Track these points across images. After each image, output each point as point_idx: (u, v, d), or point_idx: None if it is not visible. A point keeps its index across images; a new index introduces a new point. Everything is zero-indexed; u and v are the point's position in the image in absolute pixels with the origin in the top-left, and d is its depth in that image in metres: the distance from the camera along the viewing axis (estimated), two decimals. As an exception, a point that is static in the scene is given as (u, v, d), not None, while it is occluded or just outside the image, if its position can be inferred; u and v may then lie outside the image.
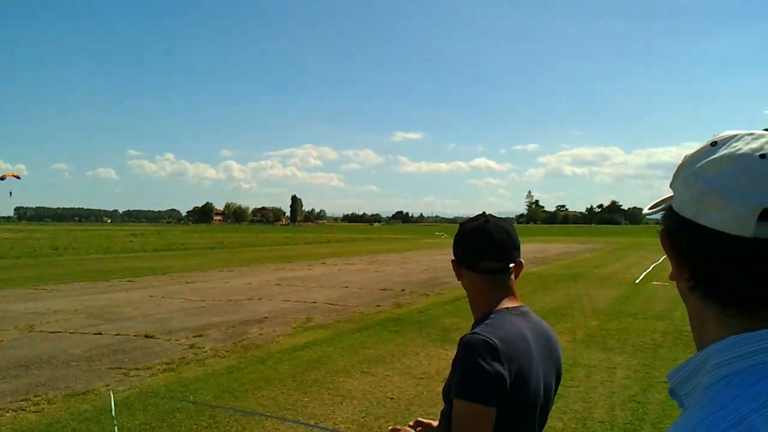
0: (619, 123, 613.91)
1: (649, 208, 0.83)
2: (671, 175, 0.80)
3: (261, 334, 9.58)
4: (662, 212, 0.80)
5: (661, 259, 24.90)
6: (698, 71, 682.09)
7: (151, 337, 9.26)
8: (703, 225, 0.70)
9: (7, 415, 5.74)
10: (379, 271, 21.63)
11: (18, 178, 59.68)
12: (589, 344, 8.78)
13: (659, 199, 0.83)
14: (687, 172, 0.76)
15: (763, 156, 0.68)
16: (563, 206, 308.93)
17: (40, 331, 9.76)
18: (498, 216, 1.79)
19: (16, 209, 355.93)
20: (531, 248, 37.44)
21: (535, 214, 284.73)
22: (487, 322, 1.59)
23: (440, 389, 1.71)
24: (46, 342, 8.95)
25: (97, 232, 78.37)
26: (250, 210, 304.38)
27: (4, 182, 55.23)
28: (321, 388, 6.62)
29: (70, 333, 9.63)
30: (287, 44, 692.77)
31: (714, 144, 0.75)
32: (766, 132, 0.73)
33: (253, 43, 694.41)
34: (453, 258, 1.77)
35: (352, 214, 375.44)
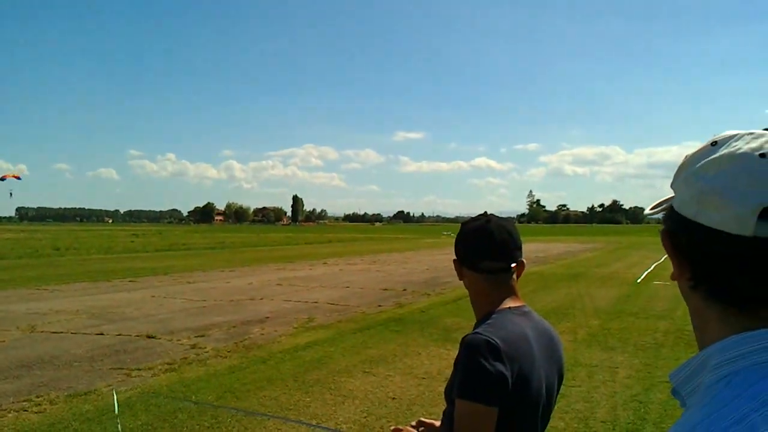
0: (620, 122, 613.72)
1: (651, 209, 0.84)
2: (672, 174, 0.80)
3: (263, 334, 9.59)
4: (663, 212, 0.81)
5: (662, 259, 24.87)
6: (699, 71, 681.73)
7: (152, 338, 9.27)
8: (703, 224, 0.71)
9: (9, 415, 5.74)
10: (381, 271, 21.63)
11: (18, 178, 59.81)
12: (591, 344, 8.78)
13: (661, 200, 0.83)
14: (687, 172, 0.76)
15: (762, 155, 0.68)
16: (564, 206, 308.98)
17: (42, 332, 9.77)
18: (499, 215, 1.80)
19: (18, 209, 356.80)
20: (532, 248, 37.42)
21: (536, 214, 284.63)
22: (489, 321, 1.59)
23: (442, 389, 1.71)
24: (48, 342, 8.96)
25: (98, 233, 78.47)
26: (252, 210, 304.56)
27: (5, 183, 55.41)
28: (323, 388, 6.63)
29: (71, 333, 9.64)
30: (288, 44, 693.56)
31: (714, 144, 0.75)
32: (766, 131, 0.73)
33: (254, 42, 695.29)
34: (455, 257, 1.77)
35: (353, 213, 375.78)
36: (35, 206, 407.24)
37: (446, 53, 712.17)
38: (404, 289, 15.69)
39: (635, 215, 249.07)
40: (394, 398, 6.27)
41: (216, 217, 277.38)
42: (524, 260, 1.73)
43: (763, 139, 0.70)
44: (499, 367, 1.47)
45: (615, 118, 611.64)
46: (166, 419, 5.60)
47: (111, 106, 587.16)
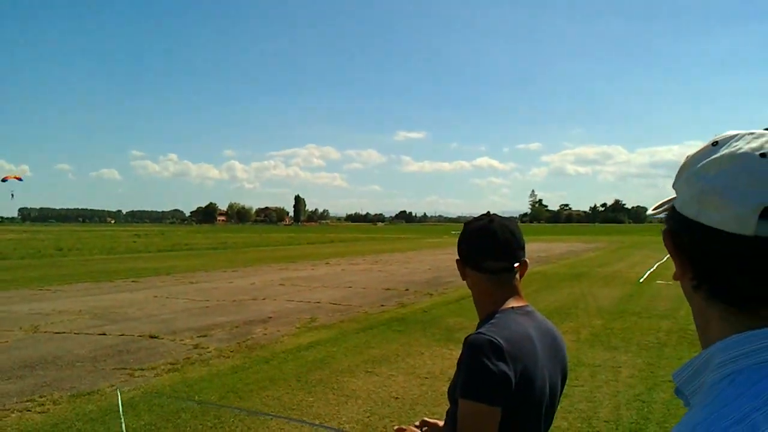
0: (622, 122, 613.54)
1: (654, 209, 0.84)
2: (674, 173, 0.81)
3: (265, 334, 9.59)
4: (666, 212, 0.81)
5: (665, 258, 24.82)
6: (700, 70, 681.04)
7: (155, 338, 9.28)
8: (704, 224, 0.71)
9: (13, 415, 5.76)
10: (383, 271, 21.63)
11: (20, 180, 59.99)
12: (594, 343, 8.77)
13: (663, 200, 0.83)
14: (689, 172, 0.76)
15: (763, 155, 0.68)
16: (566, 205, 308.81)
17: (45, 332, 9.79)
18: (502, 215, 1.80)
19: (20, 210, 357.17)
20: (535, 247, 37.41)
21: (538, 213, 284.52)
22: (492, 321, 1.59)
23: (445, 389, 1.71)
24: (51, 343, 8.98)
25: (100, 233, 78.61)
26: (254, 210, 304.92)
27: (6, 184, 55.57)
28: (325, 387, 6.63)
29: (74, 333, 9.66)
30: (289, 44, 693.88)
31: (715, 144, 0.75)
32: (766, 131, 0.73)
33: (255, 42, 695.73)
34: (458, 257, 1.77)
35: (355, 213, 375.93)
36: (38, 207, 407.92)
37: (447, 53, 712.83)
38: (407, 289, 15.69)
39: (638, 215, 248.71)
40: (397, 398, 6.27)
41: (218, 218, 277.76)
42: (527, 260, 1.73)
43: (763, 139, 0.71)
44: (503, 366, 1.47)
45: (617, 118, 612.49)
46: (169, 419, 5.61)
47: (113, 107, 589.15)
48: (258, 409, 5.88)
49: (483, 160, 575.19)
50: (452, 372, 1.62)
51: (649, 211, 0.85)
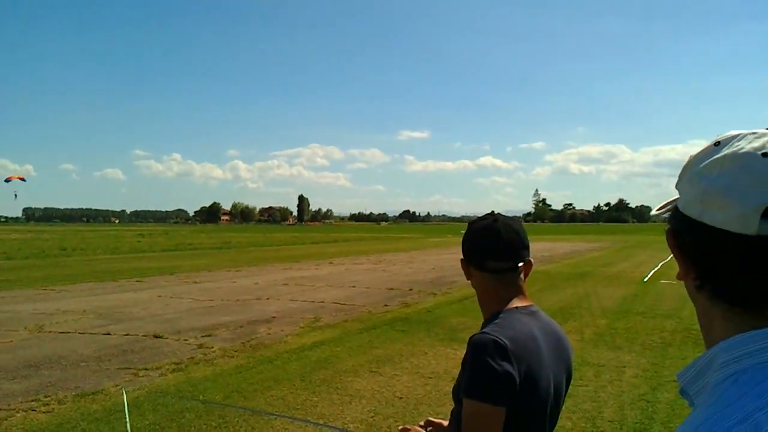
0: (626, 121, 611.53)
1: (657, 210, 0.85)
2: (678, 172, 0.82)
3: (269, 334, 9.60)
4: (669, 212, 0.81)
5: (669, 258, 24.75)
6: (703, 69, 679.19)
7: (159, 337, 9.30)
8: (707, 224, 0.71)
9: (18, 415, 5.77)
10: (387, 271, 21.63)
11: (23, 180, 60.20)
12: (598, 343, 8.76)
13: (667, 201, 0.84)
14: (691, 172, 0.77)
15: (765, 155, 0.69)
16: (570, 204, 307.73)
17: (50, 332, 9.81)
18: (506, 215, 1.79)
19: (25, 210, 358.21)
20: (538, 247, 37.35)
21: (542, 213, 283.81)
22: (496, 321, 1.59)
23: (449, 389, 1.71)
24: (56, 342, 9.01)
25: (105, 233, 78.80)
26: (258, 210, 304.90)
27: (10, 184, 55.77)
28: (329, 387, 6.63)
29: (79, 333, 9.68)
30: (293, 44, 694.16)
31: (717, 144, 0.76)
32: None
33: (259, 42, 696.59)
34: (462, 257, 1.77)
35: (359, 213, 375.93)
36: (42, 207, 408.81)
37: (449, 52, 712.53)
38: (410, 289, 15.69)
39: (642, 214, 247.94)
40: (401, 398, 6.27)
41: (222, 217, 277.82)
42: (532, 259, 1.73)
43: (765, 139, 0.71)
44: (507, 366, 1.46)
45: (620, 117, 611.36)
46: (173, 419, 5.62)
47: (117, 107, 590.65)
48: (262, 409, 5.88)
49: (486, 160, 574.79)
50: (456, 372, 1.62)
51: (653, 212, 0.86)
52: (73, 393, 6.46)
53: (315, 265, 24.54)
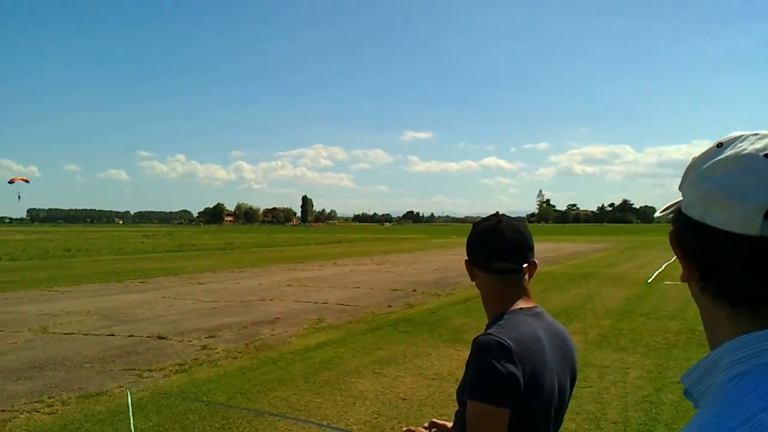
0: (629, 121, 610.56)
1: (661, 211, 0.85)
2: (682, 173, 0.82)
3: (273, 335, 9.61)
4: (672, 214, 0.82)
5: (673, 258, 24.70)
6: (704, 69, 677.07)
7: (163, 338, 9.31)
8: (710, 225, 0.71)
9: (22, 416, 5.79)
10: (390, 272, 21.64)
11: (27, 181, 60.45)
12: (602, 344, 8.74)
13: (671, 202, 0.84)
14: (694, 173, 0.77)
15: (767, 156, 0.69)
16: (574, 205, 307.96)
17: (54, 333, 9.84)
18: (510, 215, 1.79)
19: (29, 211, 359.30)
20: (542, 248, 37.31)
21: (546, 214, 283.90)
22: (500, 322, 1.58)
23: (452, 390, 1.71)
24: (60, 343, 9.02)
25: (109, 234, 79.03)
26: (261, 210, 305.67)
27: (14, 185, 56.01)
28: (333, 388, 6.63)
29: (83, 334, 9.70)
30: (295, 45, 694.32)
31: (720, 145, 0.76)
32: None
33: (262, 43, 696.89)
34: (466, 258, 1.76)
35: (362, 214, 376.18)
36: (46, 207, 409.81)
37: (451, 53, 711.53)
38: (414, 290, 15.69)
39: (646, 215, 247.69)
40: (404, 399, 6.26)
41: (226, 218, 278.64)
42: (536, 260, 1.73)
43: (767, 140, 0.71)
44: (511, 368, 1.46)
45: (623, 117, 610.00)
46: (177, 420, 5.62)
47: (120, 108, 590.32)
48: (266, 410, 5.88)
49: (490, 160, 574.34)
50: (460, 373, 1.62)
51: (657, 214, 0.87)
52: (77, 394, 6.47)
53: (319, 265, 24.56)
